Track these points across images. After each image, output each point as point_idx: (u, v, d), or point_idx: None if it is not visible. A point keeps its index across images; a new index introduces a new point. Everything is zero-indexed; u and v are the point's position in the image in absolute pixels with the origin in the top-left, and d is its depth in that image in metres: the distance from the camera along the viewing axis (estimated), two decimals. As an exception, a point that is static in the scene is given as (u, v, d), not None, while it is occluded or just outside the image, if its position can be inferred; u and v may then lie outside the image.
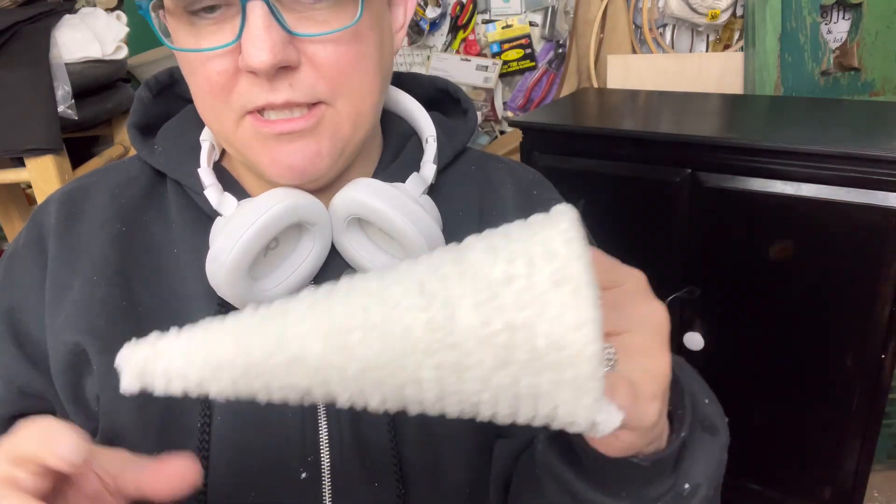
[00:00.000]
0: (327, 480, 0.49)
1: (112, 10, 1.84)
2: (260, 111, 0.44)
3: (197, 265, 0.49)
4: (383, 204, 0.47)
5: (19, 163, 1.05)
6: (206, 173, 0.50)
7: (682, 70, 1.56)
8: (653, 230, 1.16)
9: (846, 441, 1.11)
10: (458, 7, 1.80)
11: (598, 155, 1.19)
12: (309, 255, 0.49)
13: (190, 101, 0.55)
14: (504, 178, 0.58)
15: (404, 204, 0.47)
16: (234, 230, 0.45)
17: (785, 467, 1.20)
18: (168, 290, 0.50)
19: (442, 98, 0.60)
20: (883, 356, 1.03)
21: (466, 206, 0.55)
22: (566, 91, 1.72)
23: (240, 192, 0.51)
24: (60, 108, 1.00)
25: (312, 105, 0.44)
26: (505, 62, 1.78)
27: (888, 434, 1.51)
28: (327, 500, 0.49)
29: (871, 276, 1.00)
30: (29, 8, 1.23)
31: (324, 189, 0.49)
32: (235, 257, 0.45)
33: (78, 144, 1.25)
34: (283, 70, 0.42)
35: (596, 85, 1.64)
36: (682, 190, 1.11)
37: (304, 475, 0.48)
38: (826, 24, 1.47)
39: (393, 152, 0.55)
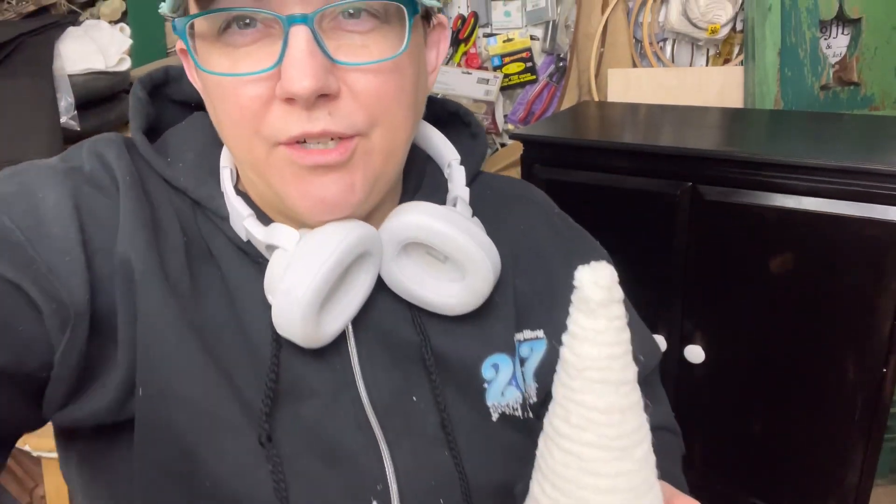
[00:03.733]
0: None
1: (116, 22, 1.86)
2: (293, 142, 0.42)
3: (229, 296, 0.46)
4: (448, 226, 0.45)
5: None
6: (238, 202, 0.47)
7: (682, 84, 1.57)
8: (654, 243, 1.16)
9: (848, 455, 1.11)
10: (459, 20, 1.81)
11: (599, 168, 1.19)
12: (361, 286, 0.47)
13: (179, 103, 0.54)
14: (525, 207, 0.58)
15: (467, 226, 0.46)
16: (310, 264, 0.42)
17: (786, 482, 1.19)
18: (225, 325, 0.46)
19: (451, 120, 0.59)
20: (884, 370, 1.03)
21: (492, 227, 0.53)
22: (567, 104, 1.72)
23: (264, 220, 0.48)
24: (63, 119, 1.00)
25: (347, 137, 0.42)
26: (506, 75, 1.79)
27: (890, 448, 1.50)
28: None
29: (873, 289, 1.00)
30: (33, 20, 1.24)
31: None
32: (314, 293, 0.42)
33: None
34: (321, 98, 0.40)
35: (597, 98, 1.64)
36: (683, 203, 1.11)
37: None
38: (825, 38, 1.48)
39: (415, 180, 0.54)
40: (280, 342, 0.45)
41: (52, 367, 0.41)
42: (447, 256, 0.47)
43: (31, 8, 1.69)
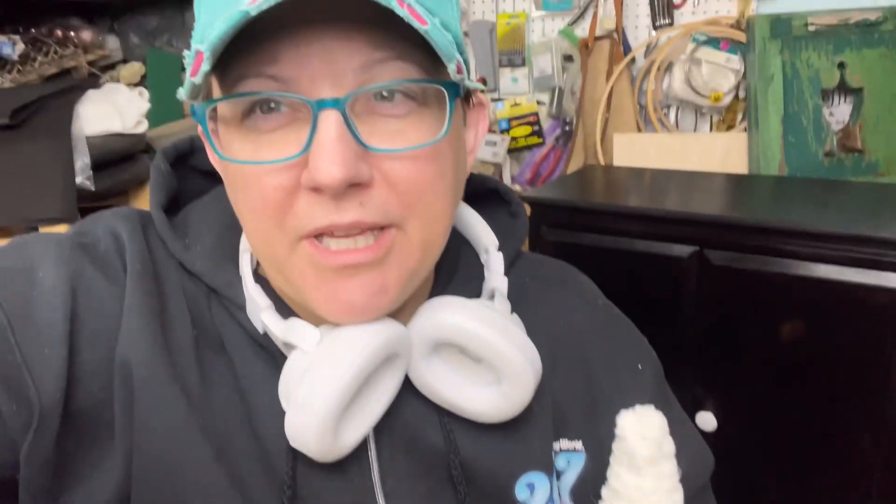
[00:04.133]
0: None
1: (135, 85, 1.91)
2: (319, 235, 0.38)
3: (242, 395, 0.43)
4: (485, 328, 0.42)
5: (32, 230, 1.07)
6: (257, 292, 0.43)
7: (686, 149, 1.59)
8: (662, 306, 1.16)
9: (868, 530, 1.07)
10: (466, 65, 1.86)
11: (606, 231, 1.20)
12: (387, 389, 0.43)
13: (206, 172, 0.52)
14: (566, 297, 0.55)
15: (505, 326, 0.43)
16: (329, 373, 0.39)
17: (805, 558, 1.15)
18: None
19: (489, 197, 0.55)
20: (901, 440, 1.00)
21: (531, 322, 0.49)
22: (573, 167, 1.75)
23: (285, 311, 0.45)
24: (79, 179, 1.02)
25: (380, 229, 0.38)
26: (513, 138, 1.83)
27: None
28: None
29: (884, 357, 0.98)
30: (55, 83, 1.28)
31: None
32: (331, 407, 0.38)
33: (92, 211, 1.28)
34: (352, 187, 0.36)
35: (602, 162, 1.67)
36: (691, 267, 1.11)
37: None
38: (828, 107, 1.50)
39: (449, 266, 0.50)
40: (296, 454, 0.42)
41: (17, 467, 0.39)
42: (482, 359, 0.43)
43: (54, 70, 1.74)
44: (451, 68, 0.37)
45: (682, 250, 1.11)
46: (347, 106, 0.36)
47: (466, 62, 0.43)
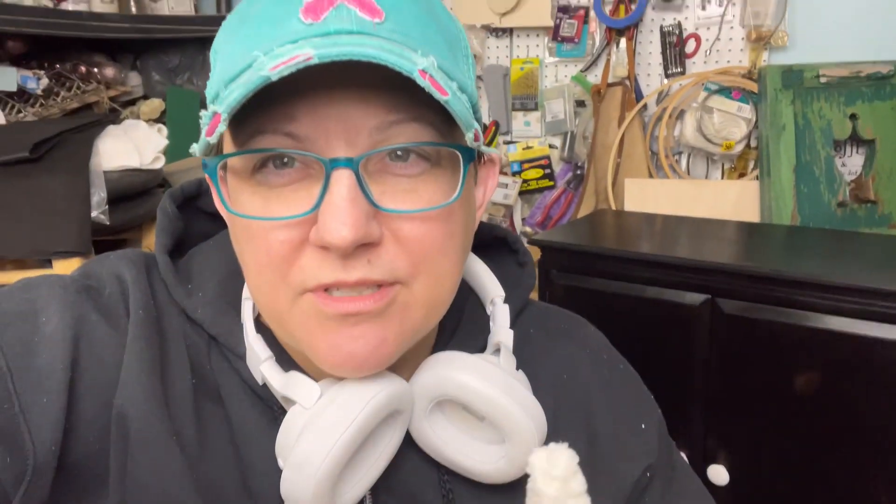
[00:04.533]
0: None
1: (155, 120, 1.95)
2: (322, 289, 0.38)
3: (236, 448, 0.42)
4: (488, 386, 0.41)
5: (46, 262, 1.07)
6: (258, 342, 0.43)
7: (698, 195, 1.59)
8: (673, 354, 1.14)
9: None
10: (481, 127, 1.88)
11: (617, 276, 1.19)
12: (387, 446, 0.42)
13: (212, 214, 0.52)
14: (571, 349, 0.54)
15: (510, 384, 0.42)
16: (327, 433, 0.38)
17: None
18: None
19: (497, 246, 0.55)
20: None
21: (534, 375, 0.49)
22: (584, 211, 1.75)
23: (286, 362, 0.44)
24: (94, 214, 1.03)
25: (386, 285, 0.38)
26: (525, 180, 1.84)
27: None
28: None
29: (902, 414, 0.96)
30: (76, 118, 1.31)
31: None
32: (328, 469, 0.37)
33: (106, 244, 1.29)
34: (361, 247, 0.36)
35: (613, 206, 1.67)
36: (703, 315, 1.10)
37: None
38: (840, 157, 1.51)
39: (454, 319, 0.49)
40: None
41: None
42: (486, 417, 0.42)
43: (76, 105, 1.78)
44: (469, 136, 0.37)
45: (694, 298, 1.10)
46: (361, 166, 0.36)
47: (479, 120, 0.44)
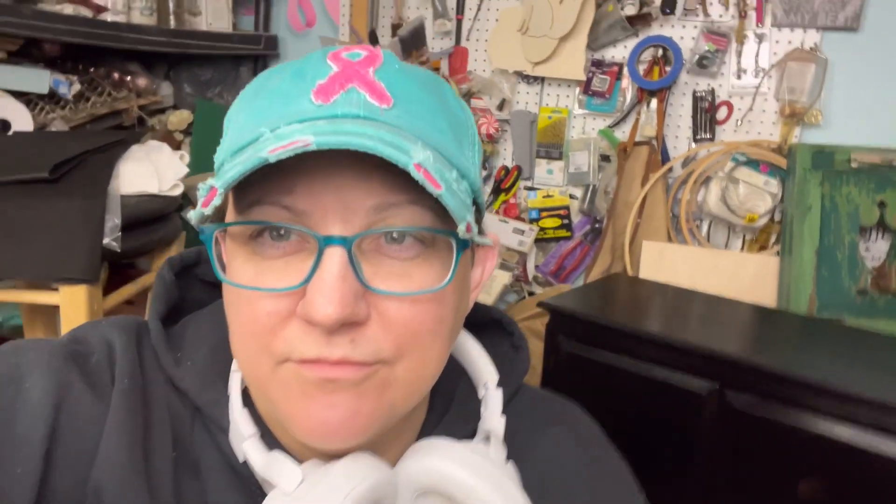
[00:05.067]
0: None
1: (182, 132, 1.96)
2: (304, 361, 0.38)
3: None
4: (477, 480, 0.40)
5: (54, 288, 1.07)
6: (242, 418, 0.42)
7: (716, 265, 1.57)
8: (674, 440, 1.12)
9: None
10: (503, 171, 1.87)
11: (624, 351, 1.17)
12: None
13: (210, 283, 0.52)
14: (560, 438, 0.53)
15: (498, 479, 0.41)
16: None
17: None
18: None
19: (492, 328, 0.54)
20: None
21: (521, 463, 0.48)
22: (599, 266, 1.73)
23: (270, 441, 0.43)
24: (106, 241, 1.03)
25: (367, 364, 0.38)
26: (542, 228, 1.83)
27: None
28: None
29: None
30: (100, 135, 1.31)
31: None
32: None
33: (115, 267, 1.29)
34: (346, 325, 0.36)
35: (629, 266, 1.65)
36: (710, 405, 1.07)
37: None
38: (865, 241, 1.48)
39: (443, 401, 0.49)
40: None
41: None
42: None
43: (105, 111, 1.80)
44: (461, 228, 0.37)
45: (702, 386, 1.08)
46: (355, 245, 0.37)
47: (481, 207, 0.44)
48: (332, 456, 0.41)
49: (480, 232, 0.44)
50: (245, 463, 0.43)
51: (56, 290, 1.04)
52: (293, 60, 0.42)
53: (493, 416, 0.47)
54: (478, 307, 0.53)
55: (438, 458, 0.41)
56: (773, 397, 1.02)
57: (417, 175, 0.35)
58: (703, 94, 1.61)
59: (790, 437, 0.99)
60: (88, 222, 1.02)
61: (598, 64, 1.70)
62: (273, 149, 0.34)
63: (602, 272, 1.71)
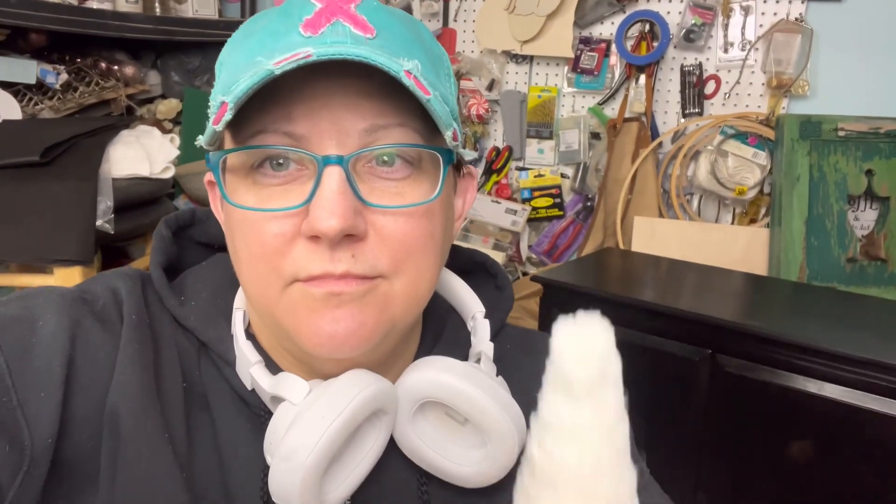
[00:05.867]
0: None
1: (171, 121, 1.96)
2: (311, 279, 0.40)
3: (219, 454, 0.44)
4: (470, 386, 0.43)
5: (48, 267, 1.07)
6: (247, 348, 0.45)
7: (707, 239, 1.58)
8: (669, 406, 1.13)
9: None
10: (494, 152, 1.88)
11: (618, 321, 1.17)
12: (372, 447, 0.44)
13: (202, 244, 0.55)
14: (545, 360, 0.56)
15: (490, 386, 0.44)
16: (316, 422, 0.39)
17: None
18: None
19: (476, 271, 0.58)
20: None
21: (512, 385, 0.50)
22: (591, 243, 1.74)
23: (273, 368, 0.46)
24: (98, 223, 1.03)
25: (369, 278, 0.41)
26: (534, 208, 1.83)
27: None
28: None
29: (893, 492, 0.94)
30: (90, 119, 1.31)
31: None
32: (317, 458, 0.39)
33: (109, 250, 1.29)
34: (346, 238, 0.39)
35: (621, 243, 1.66)
36: (702, 370, 1.09)
37: None
38: (853, 211, 1.49)
39: (435, 331, 0.52)
40: None
41: None
42: (468, 419, 0.44)
43: (93, 101, 1.79)
44: (448, 135, 0.40)
45: (694, 352, 1.09)
46: (350, 164, 0.39)
47: (461, 132, 0.46)
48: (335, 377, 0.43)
49: (459, 165, 0.48)
50: (252, 392, 0.45)
51: (50, 272, 1.04)
52: (276, 6, 0.44)
53: (482, 340, 0.51)
54: (462, 251, 0.57)
55: (436, 370, 0.44)
56: (764, 360, 1.03)
57: (408, 81, 0.37)
58: (691, 68, 1.62)
59: (780, 397, 1.01)
60: (81, 204, 1.02)
61: (585, 41, 1.71)
62: (277, 62, 0.36)
63: (594, 249, 1.72)
